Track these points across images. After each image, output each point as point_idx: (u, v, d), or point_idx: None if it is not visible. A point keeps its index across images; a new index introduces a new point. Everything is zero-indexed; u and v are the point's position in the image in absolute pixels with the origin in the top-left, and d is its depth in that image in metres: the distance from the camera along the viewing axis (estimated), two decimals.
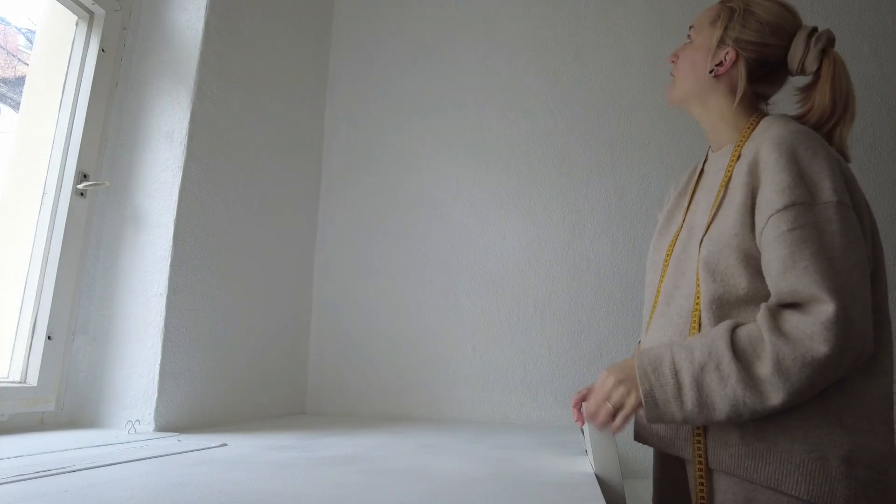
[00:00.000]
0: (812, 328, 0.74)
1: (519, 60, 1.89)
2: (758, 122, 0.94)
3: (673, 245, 1.00)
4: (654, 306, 1.01)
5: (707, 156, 1.06)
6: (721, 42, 0.96)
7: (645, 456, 1.53)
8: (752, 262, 0.84)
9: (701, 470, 0.86)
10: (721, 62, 0.96)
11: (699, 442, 0.86)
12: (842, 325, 0.73)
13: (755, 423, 0.80)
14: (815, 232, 0.77)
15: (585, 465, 0.89)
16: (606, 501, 0.67)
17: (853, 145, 1.69)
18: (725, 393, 0.76)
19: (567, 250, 1.74)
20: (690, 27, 1.04)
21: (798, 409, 0.78)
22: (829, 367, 0.74)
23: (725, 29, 0.96)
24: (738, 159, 0.92)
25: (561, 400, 1.65)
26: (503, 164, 1.83)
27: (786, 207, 0.79)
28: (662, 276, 1.00)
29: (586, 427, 0.92)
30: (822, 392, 0.77)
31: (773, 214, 0.80)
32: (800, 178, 0.80)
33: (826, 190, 0.79)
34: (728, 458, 0.82)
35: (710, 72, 0.97)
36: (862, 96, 1.70)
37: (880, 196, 1.62)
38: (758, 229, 0.83)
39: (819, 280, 0.75)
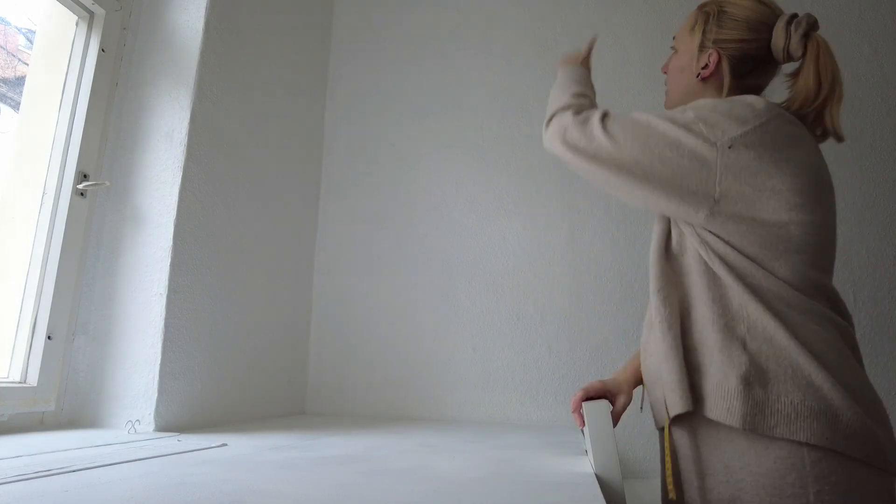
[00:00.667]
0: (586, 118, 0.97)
1: (519, 60, 1.89)
2: None
3: None
4: None
5: None
6: (702, 46, 1.00)
7: (645, 456, 1.53)
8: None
9: (667, 427, 0.89)
10: (706, 65, 0.99)
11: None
12: (592, 125, 0.95)
13: (692, 358, 0.87)
14: (662, 117, 0.90)
15: (585, 465, 0.89)
16: (606, 501, 0.67)
17: (853, 144, 1.69)
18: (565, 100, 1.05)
19: (567, 250, 1.74)
20: (674, 38, 1.08)
21: (713, 338, 0.84)
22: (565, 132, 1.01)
23: (703, 33, 0.99)
24: None
25: (561, 400, 1.65)
26: (503, 164, 1.83)
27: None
28: None
29: (586, 428, 0.92)
30: (731, 323, 0.85)
31: None
32: (704, 112, 0.88)
33: (695, 110, 0.88)
34: (679, 401, 0.85)
35: (697, 76, 1.00)
36: (862, 96, 1.70)
37: (880, 196, 1.62)
38: None
39: (623, 116, 0.92)
